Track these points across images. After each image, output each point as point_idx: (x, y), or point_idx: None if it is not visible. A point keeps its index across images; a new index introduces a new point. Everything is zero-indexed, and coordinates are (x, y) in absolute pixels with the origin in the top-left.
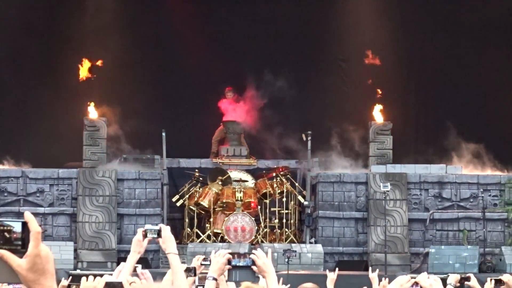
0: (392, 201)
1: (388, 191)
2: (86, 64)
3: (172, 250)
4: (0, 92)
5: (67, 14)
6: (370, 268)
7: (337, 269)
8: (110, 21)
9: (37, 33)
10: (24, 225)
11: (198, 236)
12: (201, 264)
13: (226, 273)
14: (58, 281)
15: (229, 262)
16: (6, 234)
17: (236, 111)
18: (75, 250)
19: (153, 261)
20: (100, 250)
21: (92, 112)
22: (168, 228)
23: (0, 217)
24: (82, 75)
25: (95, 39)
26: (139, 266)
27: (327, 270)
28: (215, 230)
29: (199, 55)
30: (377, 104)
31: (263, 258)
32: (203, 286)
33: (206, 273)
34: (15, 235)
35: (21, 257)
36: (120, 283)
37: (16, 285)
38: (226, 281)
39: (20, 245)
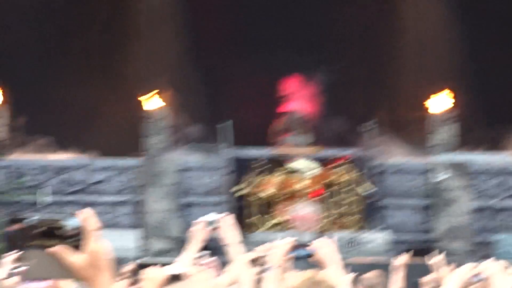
0: (458, 189)
1: (445, 179)
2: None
3: (234, 239)
4: (64, 83)
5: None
6: (432, 255)
7: (406, 254)
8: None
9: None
10: (82, 222)
11: (262, 225)
12: (265, 254)
13: (288, 262)
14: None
15: (291, 251)
16: (63, 230)
17: (300, 99)
18: (141, 238)
19: (220, 248)
20: (165, 238)
21: (156, 101)
22: (229, 218)
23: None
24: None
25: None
26: (207, 253)
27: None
28: (279, 219)
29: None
30: (442, 91)
31: (325, 247)
32: (265, 276)
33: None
34: (72, 232)
35: (78, 253)
36: (182, 273)
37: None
38: (288, 271)
39: (77, 241)
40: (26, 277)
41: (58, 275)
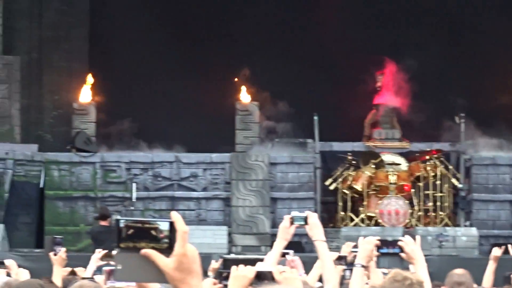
0: None
1: None
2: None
3: (319, 237)
4: (152, 76)
5: None
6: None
7: (499, 248)
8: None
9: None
10: (172, 224)
11: (351, 220)
12: (351, 252)
13: (374, 259)
14: (209, 264)
15: (377, 249)
16: (153, 232)
17: (387, 93)
18: (229, 234)
19: (307, 244)
20: (254, 234)
21: (244, 96)
22: (315, 215)
23: (154, 202)
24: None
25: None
26: (291, 252)
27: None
28: (368, 214)
29: (349, 35)
30: None
31: (411, 244)
32: (351, 273)
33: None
34: (162, 234)
35: (167, 256)
36: (271, 271)
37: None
38: (375, 268)
39: (167, 244)
40: (117, 278)
41: (148, 277)
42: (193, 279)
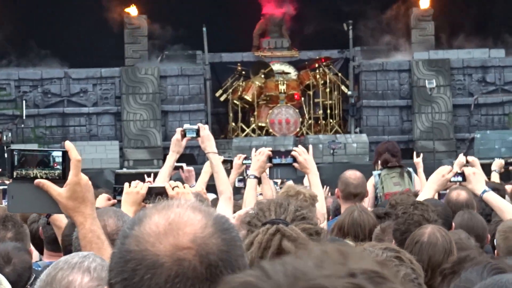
0: (436, 87)
1: (433, 88)
2: None
3: (212, 149)
4: None
5: None
6: (414, 154)
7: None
8: None
9: None
10: (65, 153)
11: (243, 130)
12: (243, 163)
13: (267, 170)
14: (105, 181)
15: (270, 160)
16: (46, 160)
17: (276, 3)
18: (121, 148)
19: (199, 157)
20: (146, 147)
21: (132, 9)
22: (207, 127)
23: (44, 119)
24: None
25: None
26: (184, 165)
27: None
28: (259, 124)
29: None
30: None
31: (304, 154)
32: (245, 183)
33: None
34: (55, 163)
35: (61, 186)
36: (163, 187)
37: None
38: (267, 179)
39: (60, 171)
40: (10, 209)
41: (41, 207)
42: (87, 207)
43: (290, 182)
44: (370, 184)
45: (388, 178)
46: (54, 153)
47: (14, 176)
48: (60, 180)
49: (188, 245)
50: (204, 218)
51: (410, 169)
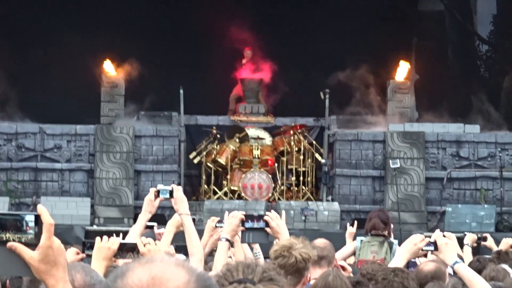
0: (410, 159)
1: (398, 168)
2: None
3: (184, 211)
4: (21, 49)
5: None
6: (348, 225)
7: (356, 222)
8: None
9: None
10: (38, 217)
11: (215, 193)
12: (216, 226)
13: (239, 234)
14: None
15: (242, 223)
16: (19, 224)
17: (254, 69)
18: (92, 206)
19: (169, 217)
20: (117, 206)
21: (110, 68)
22: (180, 188)
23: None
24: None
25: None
26: (155, 224)
27: (348, 224)
28: (232, 187)
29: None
30: (401, 61)
31: (276, 219)
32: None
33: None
34: (28, 227)
35: (33, 249)
36: (135, 244)
37: None
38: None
39: (33, 237)
40: None
41: (14, 270)
42: (58, 271)
43: (284, 241)
44: (352, 246)
45: (367, 245)
46: (27, 217)
47: None
48: (33, 243)
49: None
50: (187, 274)
51: (394, 241)
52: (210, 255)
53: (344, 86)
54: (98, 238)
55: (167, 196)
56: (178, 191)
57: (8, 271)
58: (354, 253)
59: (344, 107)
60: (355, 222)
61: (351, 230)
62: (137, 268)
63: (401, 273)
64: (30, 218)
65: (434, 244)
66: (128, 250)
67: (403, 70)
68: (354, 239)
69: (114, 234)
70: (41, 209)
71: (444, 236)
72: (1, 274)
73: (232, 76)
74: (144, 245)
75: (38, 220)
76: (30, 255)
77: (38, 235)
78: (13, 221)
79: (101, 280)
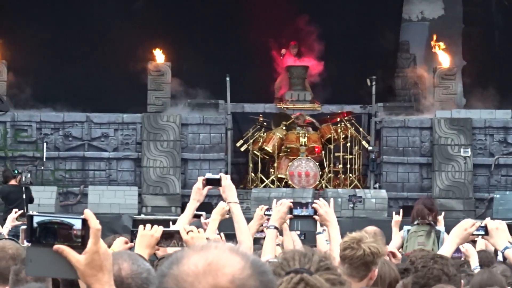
0: (457, 146)
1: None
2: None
3: (233, 199)
4: (66, 38)
5: None
6: (394, 213)
7: (401, 211)
8: None
9: None
10: (84, 222)
11: (262, 181)
12: (265, 214)
13: (288, 222)
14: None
15: (290, 211)
16: (66, 231)
17: (299, 55)
18: (140, 194)
19: (216, 205)
20: (164, 195)
21: (158, 56)
22: (228, 177)
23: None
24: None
25: None
26: (203, 213)
27: (393, 213)
28: (279, 175)
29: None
30: (439, 44)
31: (325, 207)
32: (266, 234)
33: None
34: (75, 232)
35: (80, 253)
36: (178, 231)
37: None
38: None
39: (80, 241)
40: (28, 272)
41: (59, 272)
42: (104, 275)
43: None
44: (399, 238)
45: (414, 236)
46: (74, 222)
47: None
48: (79, 247)
49: (227, 286)
50: (242, 260)
51: (441, 229)
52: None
53: (392, 73)
54: (141, 226)
55: (215, 184)
56: (226, 179)
57: (54, 273)
58: (402, 245)
59: (391, 94)
60: (401, 210)
61: (396, 218)
62: (193, 255)
63: (440, 259)
64: (77, 223)
65: (485, 228)
66: (171, 237)
67: (447, 57)
68: (401, 228)
69: (171, 222)
70: (88, 214)
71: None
72: (47, 276)
73: (278, 64)
74: (187, 233)
75: (85, 224)
76: (76, 258)
77: (85, 239)
78: (60, 227)
79: (148, 269)
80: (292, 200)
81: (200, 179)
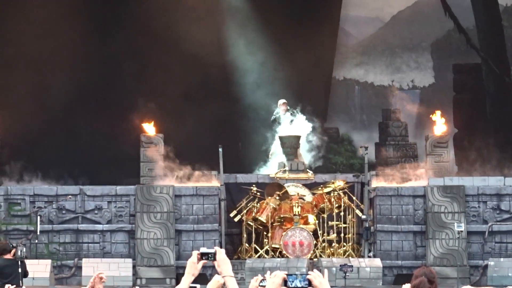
0: (450, 213)
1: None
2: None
3: (228, 272)
4: (63, 110)
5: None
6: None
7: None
8: None
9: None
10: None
11: (256, 251)
12: (259, 286)
13: None
14: None
15: (285, 283)
16: None
17: (291, 125)
18: (134, 266)
19: (211, 277)
20: (159, 266)
21: (149, 128)
22: (223, 250)
23: (58, 235)
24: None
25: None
26: (198, 286)
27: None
28: (273, 245)
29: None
30: (435, 113)
31: (319, 278)
32: None
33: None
34: None
35: None
36: None
37: None
38: None
39: None
40: None
41: None
42: None
43: None
44: None
45: None
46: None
47: None
48: None
49: None
50: None
51: None
52: None
53: (383, 143)
54: None
55: (211, 258)
56: (221, 253)
57: None
58: None
59: (383, 162)
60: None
61: None
62: None
63: None
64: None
65: None
66: None
67: (441, 125)
68: None
69: None
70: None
71: None
72: None
73: (270, 134)
74: None
75: None
76: None
77: None
78: None
79: None
80: (286, 272)
81: (195, 253)
